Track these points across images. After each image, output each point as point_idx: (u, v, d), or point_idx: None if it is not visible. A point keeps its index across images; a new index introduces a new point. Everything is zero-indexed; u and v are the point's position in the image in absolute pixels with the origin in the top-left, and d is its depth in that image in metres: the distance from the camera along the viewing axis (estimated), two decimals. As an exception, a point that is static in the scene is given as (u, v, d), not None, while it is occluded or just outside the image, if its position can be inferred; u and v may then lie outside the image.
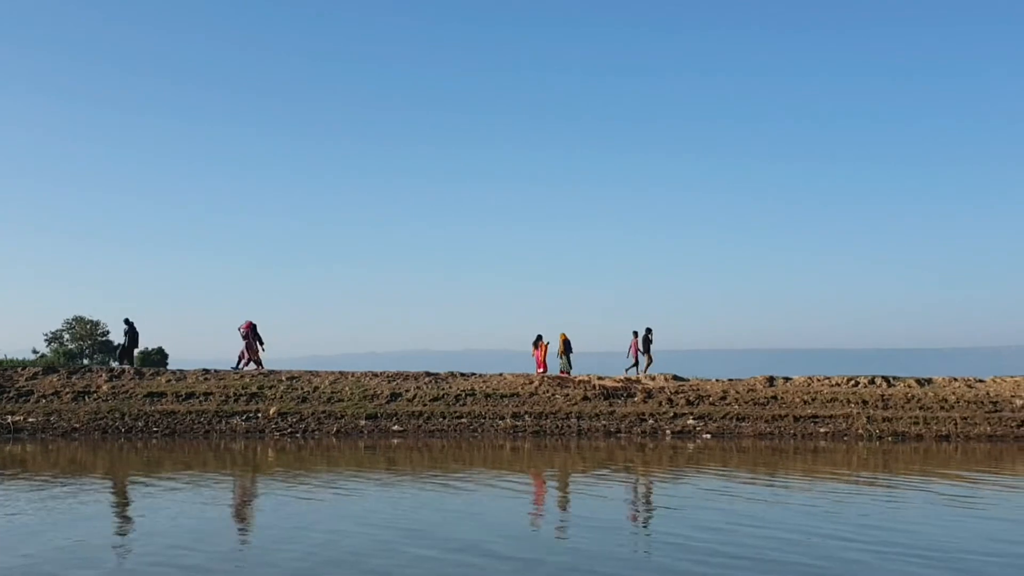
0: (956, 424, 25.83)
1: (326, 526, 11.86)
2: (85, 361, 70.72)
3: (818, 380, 29.27)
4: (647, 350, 30.71)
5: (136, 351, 30.48)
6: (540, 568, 9.55)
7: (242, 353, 29.45)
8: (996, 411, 27.02)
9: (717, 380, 29.26)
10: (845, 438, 24.73)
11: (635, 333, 30.80)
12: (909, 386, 28.94)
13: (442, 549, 10.40)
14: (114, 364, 68.39)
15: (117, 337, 73.38)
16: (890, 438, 24.78)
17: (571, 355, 30.99)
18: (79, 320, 72.67)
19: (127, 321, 29.64)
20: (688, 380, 29.33)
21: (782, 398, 27.44)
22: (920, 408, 26.99)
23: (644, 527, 12.58)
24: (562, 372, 30.43)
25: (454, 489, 15.19)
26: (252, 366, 29.47)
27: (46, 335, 72.10)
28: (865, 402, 27.24)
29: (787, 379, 29.40)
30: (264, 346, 29.50)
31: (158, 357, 69.11)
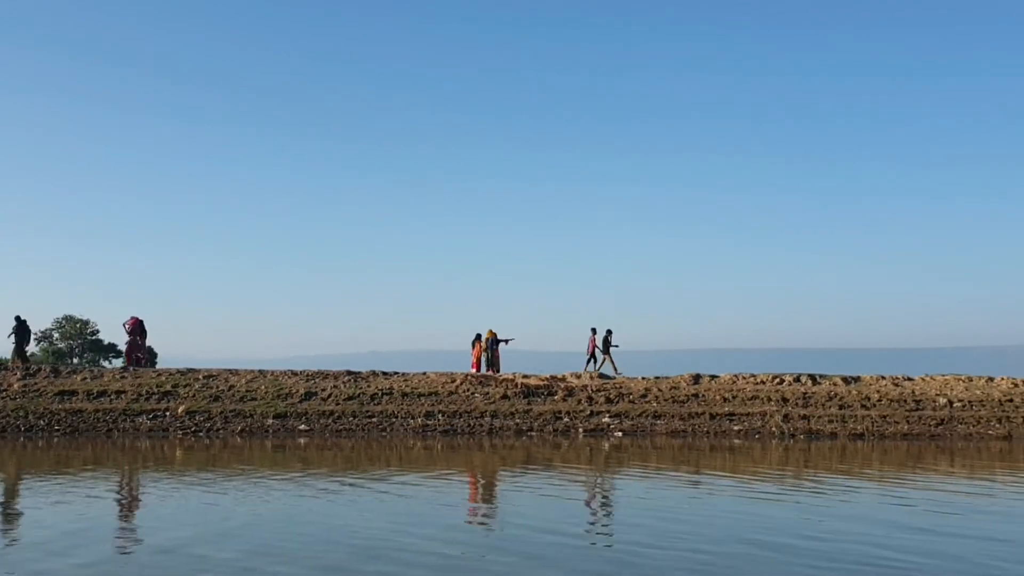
0: (873, 422, 25.73)
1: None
2: (75, 360, 70.24)
3: (743, 378, 29.13)
4: (606, 350, 30.40)
5: (27, 348, 29.70)
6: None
7: (128, 350, 29.50)
8: (917, 410, 26.94)
9: (643, 378, 29.08)
10: (758, 436, 24.60)
11: (593, 331, 30.44)
12: (835, 384, 28.84)
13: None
14: (108, 364, 68.27)
15: (107, 336, 73.34)
16: (803, 436, 24.66)
17: (498, 353, 30.70)
18: (69, 319, 72.18)
19: (17, 318, 29.20)
20: (612, 378, 29.15)
21: (703, 396, 27.29)
22: (840, 406, 26.88)
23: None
24: (490, 370, 30.17)
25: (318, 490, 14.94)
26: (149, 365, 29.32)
27: (36, 334, 71.79)
28: (786, 400, 27.11)
29: (713, 377, 29.25)
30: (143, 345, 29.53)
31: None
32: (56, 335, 72.25)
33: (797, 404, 26.87)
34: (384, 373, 28.67)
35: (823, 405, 26.92)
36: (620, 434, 24.31)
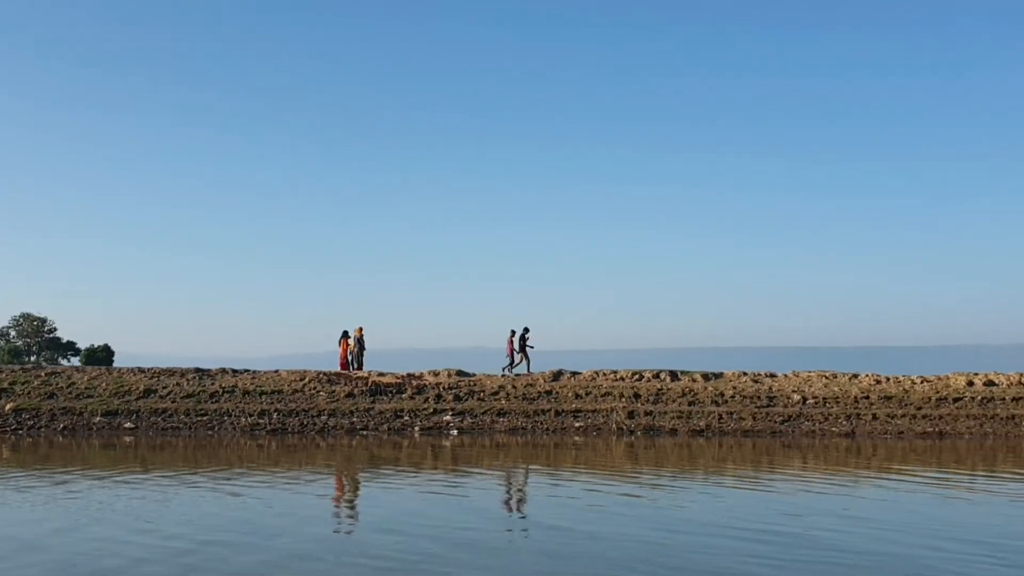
0: (718, 418, 25.64)
1: None
2: (32, 358, 69.06)
3: (603, 374, 28.95)
4: (523, 349, 30.02)
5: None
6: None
7: None
8: (768, 406, 26.87)
9: (504, 375, 28.79)
10: (598, 433, 24.42)
11: (512, 332, 30.10)
12: (694, 380, 28.74)
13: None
14: (66, 362, 67.05)
15: (66, 334, 72.16)
16: (642, 432, 24.50)
17: (363, 351, 30.27)
18: (26, 317, 71.06)
19: None
20: (474, 375, 28.84)
21: (557, 393, 27.07)
22: (690, 403, 26.77)
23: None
24: (354, 368, 29.72)
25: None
26: None
27: None
28: (638, 396, 26.95)
29: (574, 373, 29.05)
30: None
31: (104, 354, 67.52)
32: (12, 332, 71.17)
33: (648, 400, 26.72)
34: (234, 371, 28.22)
35: (674, 401, 26.79)
36: (456, 432, 24.03)
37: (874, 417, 26.17)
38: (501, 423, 24.86)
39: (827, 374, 29.97)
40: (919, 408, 26.96)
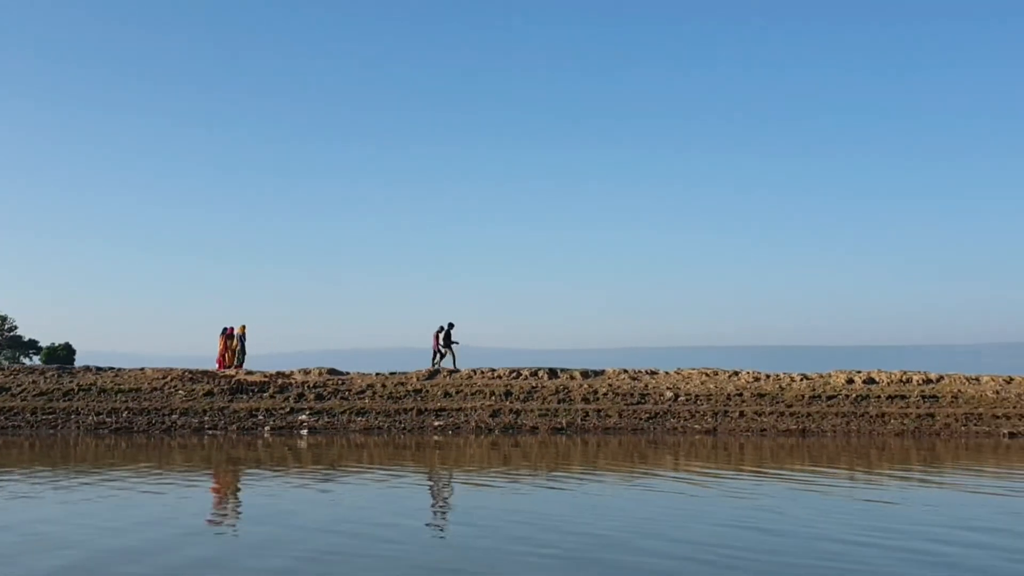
0: (583, 416, 25.39)
1: None
2: None
3: (480, 373, 28.61)
4: (448, 344, 29.55)
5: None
6: None
7: None
8: (639, 403, 26.65)
9: (377, 374, 28.41)
10: (457, 431, 24.10)
11: (441, 327, 29.62)
12: (572, 377, 28.49)
13: None
14: (29, 360, 65.82)
15: (28, 332, 70.75)
16: (500, 431, 24.20)
17: (245, 348, 29.80)
18: None
19: None
20: (349, 374, 28.43)
21: (428, 391, 26.72)
22: (560, 401, 26.50)
23: None
24: (236, 366, 29.29)
25: None
26: None
27: None
28: (509, 394, 26.66)
29: (453, 371, 28.69)
30: None
31: (64, 353, 66.44)
32: (-28, 331, 69.84)
33: (518, 399, 26.43)
34: (98, 368, 27.67)
35: (545, 399, 26.51)
36: (306, 432, 23.62)
37: (741, 415, 26.01)
38: (358, 422, 24.47)
39: (708, 371, 29.82)
40: (789, 406, 26.83)
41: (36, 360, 66.34)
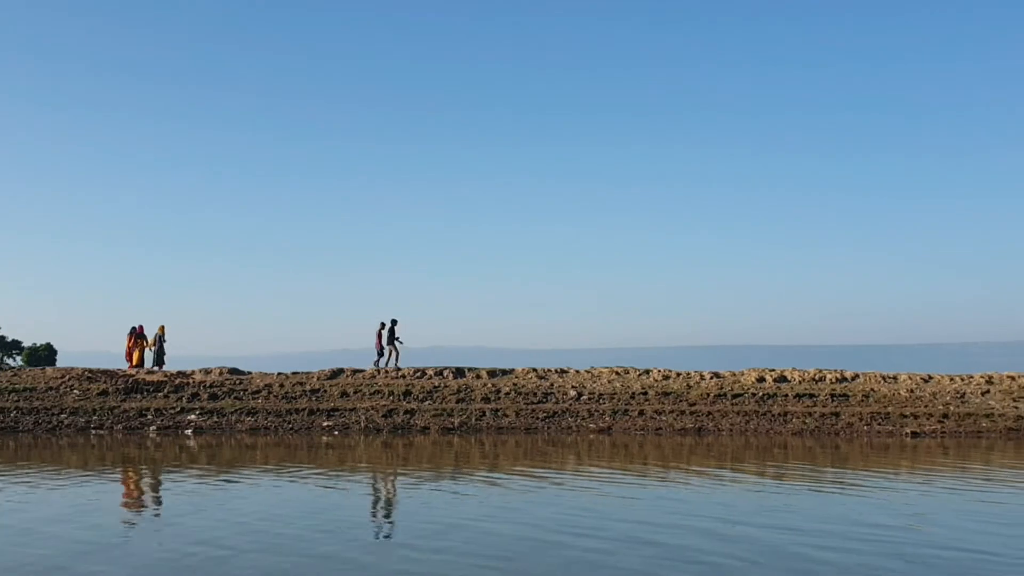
0: (478, 416, 25.14)
1: None
2: None
3: (384, 372, 28.41)
4: (391, 342, 29.36)
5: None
6: None
7: None
8: (541, 402, 26.35)
9: (279, 374, 28.31)
10: (346, 431, 23.92)
11: (382, 324, 29.56)
12: (478, 376, 28.26)
13: None
14: (13, 362, 66.43)
15: (10, 332, 71.37)
16: (389, 431, 23.98)
17: (164, 349, 29.77)
18: None
19: None
20: (250, 374, 28.35)
21: (326, 391, 26.58)
22: (459, 400, 26.26)
23: None
24: (156, 367, 29.19)
25: None
26: None
27: None
28: (408, 394, 26.46)
29: (357, 371, 28.54)
30: None
31: (45, 353, 66.93)
32: (-49, 331, 70.53)
33: (416, 398, 26.22)
34: (10, 369, 27.73)
35: (444, 399, 26.29)
36: (192, 431, 23.54)
37: (640, 413, 25.67)
38: (246, 422, 24.35)
39: (619, 369, 29.49)
40: (692, 404, 26.45)
41: (19, 361, 66.90)
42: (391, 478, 16.44)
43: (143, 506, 13.73)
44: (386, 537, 11.14)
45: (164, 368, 29.09)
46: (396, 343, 29.34)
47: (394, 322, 29.38)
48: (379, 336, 29.34)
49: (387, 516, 12.79)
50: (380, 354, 29.36)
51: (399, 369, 28.68)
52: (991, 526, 11.71)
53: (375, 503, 14.01)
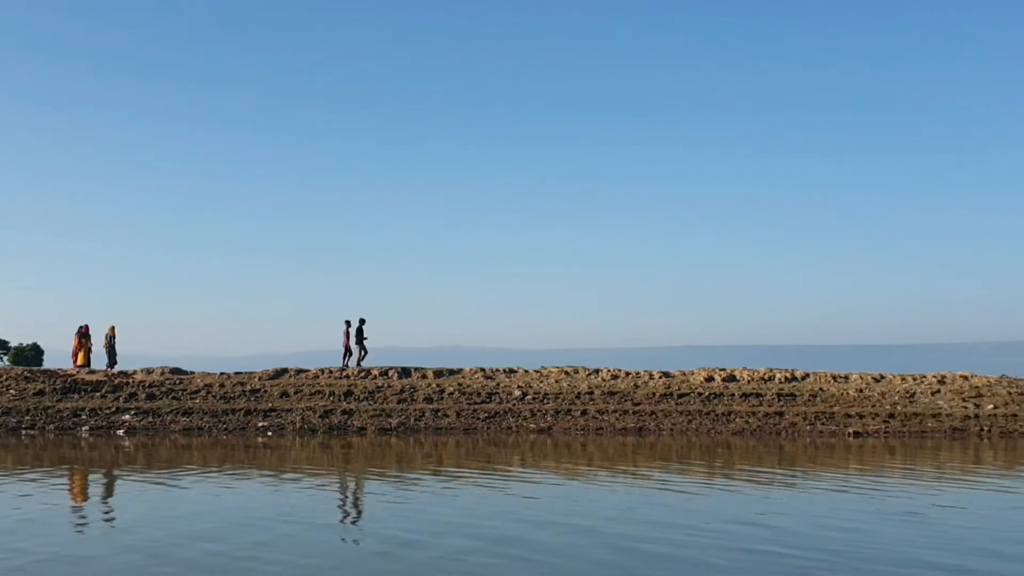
0: (417, 416, 24.88)
1: None
2: None
3: (328, 372, 28.14)
4: (359, 341, 29.11)
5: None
6: None
7: None
8: (483, 403, 26.03)
9: (221, 374, 28.07)
10: (281, 432, 23.65)
11: (347, 323, 29.29)
12: (424, 376, 28.02)
13: None
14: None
15: (2, 332, 70.99)
16: (324, 432, 23.71)
17: (115, 349, 29.54)
18: None
19: None
20: (192, 374, 28.09)
21: (267, 391, 26.32)
22: (399, 400, 25.97)
23: None
24: (108, 366, 28.92)
25: None
26: None
27: None
28: (349, 394, 26.18)
29: (301, 371, 28.29)
30: None
31: (32, 353, 66.67)
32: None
33: (358, 398, 25.95)
34: (-59, 370, 27.50)
35: (386, 399, 26.01)
36: (123, 432, 23.29)
37: (583, 413, 25.42)
38: (182, 422, 24.09)
39: (568, 369, 29.26)
40: (637, 404, 26.21)
41: (5, 361, 66.66)
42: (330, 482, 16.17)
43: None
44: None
45: (116, 368, 28.90)
46: (364, 343, 29.15)
47: (362, 321, 29.14)
48: (346, 335, 29.09)
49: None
50: (348, 353, 29.13)
51: (363, 369, 28.42)
52: (828, 523, 11.41)
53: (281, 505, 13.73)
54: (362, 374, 27.95)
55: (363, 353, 29.24)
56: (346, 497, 14.31)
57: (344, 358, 29.07)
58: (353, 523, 11.83)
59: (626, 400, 26.45)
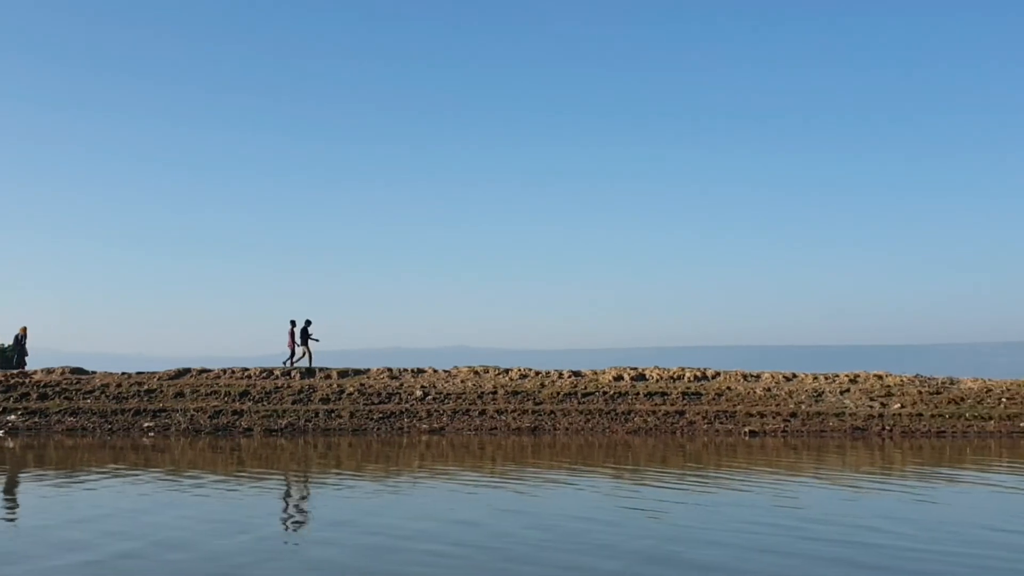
0: (310, 416, 24.55)
1: None
2: None
3: (231, 372, 27.77)
4: (304, 342, 28.70)
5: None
6: None
7: None
8: (382, 403, 25.69)
9: (122, 374, 27.71)
10: (167, 432, 23.28)
11: (292, 323, 28.82)
12: (327, 376, 27.65)
13: None
14: None
15: None
16: (209, 432, 23.35)
17: (26, 349, 29.26)
18: None
19: None
20: (94, 373, 27.76)
21: (163, 391, 25.98)
22: (295, 401, 25.63)
23: None
24: (18, 368, 28.62)
25: None
26: None
27: None
28: (246, 395, 25.82)
29: (204, 370, 27.92)
30: None
31: (13, 353, 66.50)
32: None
33: (254, 399, 25.61)
34: None
35: (281, 400, 25.68)
36: (3, 432, 22.97)
37: (481, 413, 25.07)
38: (68, 422, 23.77)
39: (478, 368, 28.89)
40: (539, 404, 25.85)
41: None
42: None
43: None
44: None
45: (24, 368, 28.65)
46: (310, 343, 28.74)
47: (308, 322, 28.77)
48: (291, 335, 28.71)
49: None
50: (292, 353, 28.75)
51: (311, 369, 28.06)
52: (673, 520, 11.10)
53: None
54: (263, 374, 27.61)
55: (306, 354, 28.84)
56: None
57: (290, 357, 28.73)
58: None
59: (528, 400, 26.09)
